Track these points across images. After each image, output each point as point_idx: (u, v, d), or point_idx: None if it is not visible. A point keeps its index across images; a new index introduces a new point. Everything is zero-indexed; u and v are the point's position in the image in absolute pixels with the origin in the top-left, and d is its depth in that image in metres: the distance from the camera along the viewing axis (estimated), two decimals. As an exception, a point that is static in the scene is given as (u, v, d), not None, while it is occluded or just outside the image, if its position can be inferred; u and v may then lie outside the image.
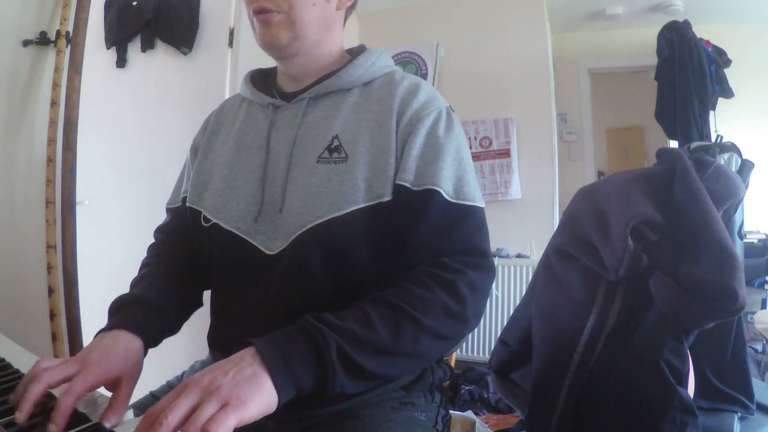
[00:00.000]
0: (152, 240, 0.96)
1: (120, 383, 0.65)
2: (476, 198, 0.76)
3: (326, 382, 0.59)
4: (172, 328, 0.83)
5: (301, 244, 0.74)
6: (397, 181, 0.74)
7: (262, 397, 0.54)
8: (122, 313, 0.75)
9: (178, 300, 0.84)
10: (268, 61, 0.89)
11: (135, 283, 0.83)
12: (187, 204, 0.87)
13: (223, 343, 0.84)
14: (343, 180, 0.74)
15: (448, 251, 0.72)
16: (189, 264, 0.88)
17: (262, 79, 0.92)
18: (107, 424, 0.58)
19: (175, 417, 0.50)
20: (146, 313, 0.76)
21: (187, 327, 0.89)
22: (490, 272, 0.74)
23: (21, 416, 0.55)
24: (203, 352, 0.92)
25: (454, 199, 0.74)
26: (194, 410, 0.51)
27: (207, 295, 0.91)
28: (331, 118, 0.80)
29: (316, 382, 0.59)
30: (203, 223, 0.83)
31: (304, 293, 0.75)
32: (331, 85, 0.82)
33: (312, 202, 0.75)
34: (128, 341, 0.71)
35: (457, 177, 0.76)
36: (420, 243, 0.72)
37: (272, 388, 0.55)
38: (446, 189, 0.74)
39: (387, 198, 0.74)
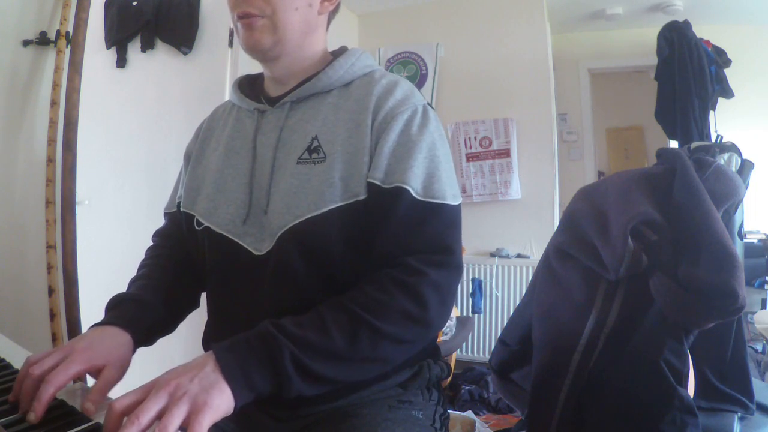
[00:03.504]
0: (151, 242, 0.98)
1: (103, 371, 0.67)
2: (447, 196, 0.76)
3: (282, 386, 0.63)
4: (166, 327, 0.85)
5: (284, 244, 0.76)
6: (369, 179, 0.75)
7: (224, 400, 0.58)
8: (115, 311, 0.78)
9: (172, 299, 0.86)
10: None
11: (131, 284, 0.86)
12: (182, 209, 0.89)
13: (218, 342, 0.85)
14: (322, 180, 0.76)
15: (414, 250, 0.72)
16: (184, 265, 0.90)
17: (249, 85, 0.94)
18: (89, 405, 0.61)
19: (146, 417, 0.54)
20: (137, 310, 0.79)
21: (185, 328, 0.89)
22: (455, 270, 0.74)
23: (33, 416, 0.59)
24: (201, 352, 0.93)
25: (422, 197, 0.74)
26: (163, 412, 0.55)
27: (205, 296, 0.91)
28: (311, 120, 0.81)
29: (273, 386, 0.62)
30: (196, 227, 0.85)
31: (292, 292, 0.76)
32: (312, 87, 0.83)
33: (293, 202, 0.76)
34: (116, 335, 0.74)
35: (428, 175, 0.76)
36: (387, 240, 0.73)
37: (231, 394, 0.59)
38: (415, 187, 0.74)
39: (362, 196, 0.75)
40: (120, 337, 0.74)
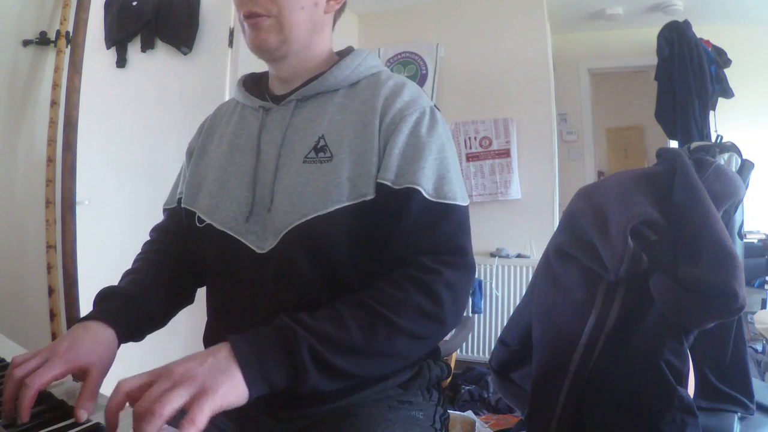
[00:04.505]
0: (149, 237, 0.97)
1: (88, 373, 0.66)
2: (457, 197, 0.76)
3: (298, 379, 0.61)
4: (156, 322, 0.84)
5: (289, 243, 0.76)
6: (379, 180, 0.75)
7: (232, 388, 0.56)
8: (101, 304, 0.77)
9: (164, 295, 0.85)
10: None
11: (123, 277, 0.86)
12: (182, 205, 0.89)
13: (219, 341, 0.85)
14: (328, 179, 0.76)
15: (427, 250, 0.72)
16: (180, 262, 0.90)
17: (254, 83, 0.94)
18: (82, 413, 0.60)
19: (146, 401, 0.52)
20: (124, 304, 0.78)
21: (185, 327, 0.89)
22: (468, 270, 0.75)
23: (22, 419, 0.59)
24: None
25: (434, 198, 0.74)
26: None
27: (204, 295, 0.91)
28: (317, 119, 0.81)
29: (289, 379, 0.61)
30: (197, 224, 0.84)
31: (295, 291, 0.76)
32: (318, 86, 0.83)
33: (298, 201, 0.76)
34: (98, 331, 0.72)
35: (439, 176, 0.76)
36: (400, 241, 0.73)
37: (243, 381, 0.57)
38: (426, 188, 0.74)
39: (370, 196, 0.75)
40: (103, 333, 0.72)
